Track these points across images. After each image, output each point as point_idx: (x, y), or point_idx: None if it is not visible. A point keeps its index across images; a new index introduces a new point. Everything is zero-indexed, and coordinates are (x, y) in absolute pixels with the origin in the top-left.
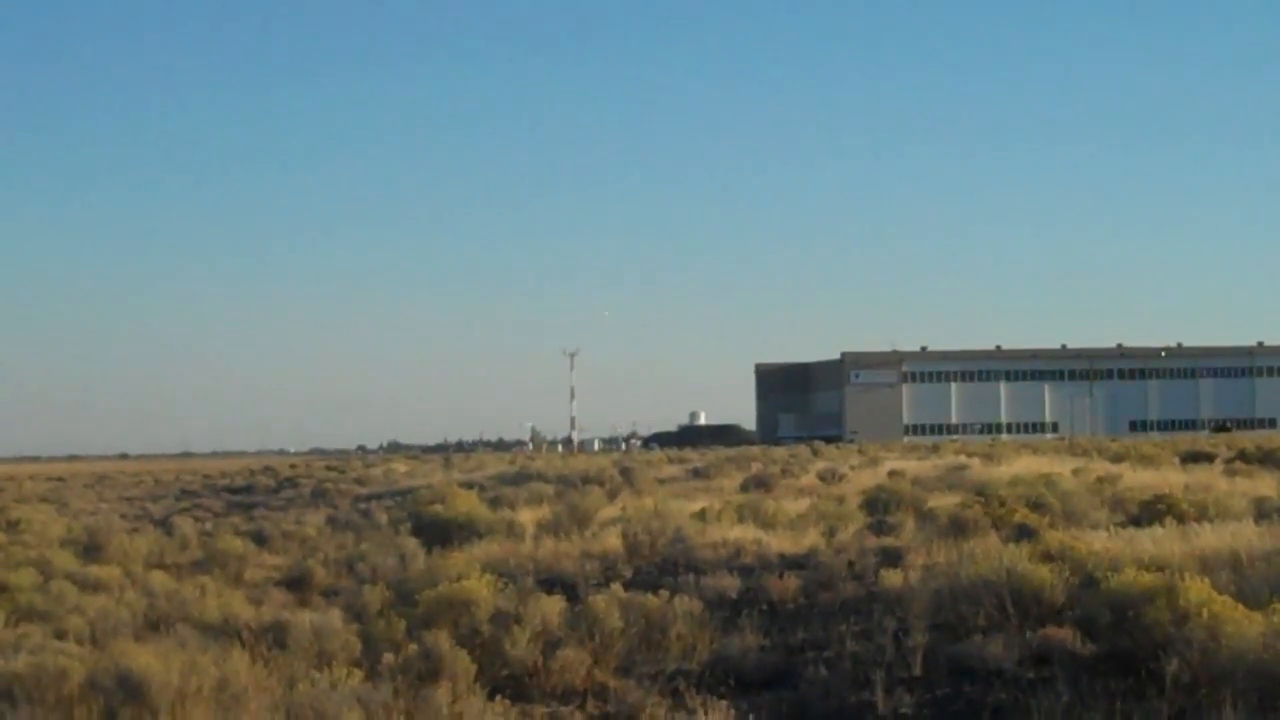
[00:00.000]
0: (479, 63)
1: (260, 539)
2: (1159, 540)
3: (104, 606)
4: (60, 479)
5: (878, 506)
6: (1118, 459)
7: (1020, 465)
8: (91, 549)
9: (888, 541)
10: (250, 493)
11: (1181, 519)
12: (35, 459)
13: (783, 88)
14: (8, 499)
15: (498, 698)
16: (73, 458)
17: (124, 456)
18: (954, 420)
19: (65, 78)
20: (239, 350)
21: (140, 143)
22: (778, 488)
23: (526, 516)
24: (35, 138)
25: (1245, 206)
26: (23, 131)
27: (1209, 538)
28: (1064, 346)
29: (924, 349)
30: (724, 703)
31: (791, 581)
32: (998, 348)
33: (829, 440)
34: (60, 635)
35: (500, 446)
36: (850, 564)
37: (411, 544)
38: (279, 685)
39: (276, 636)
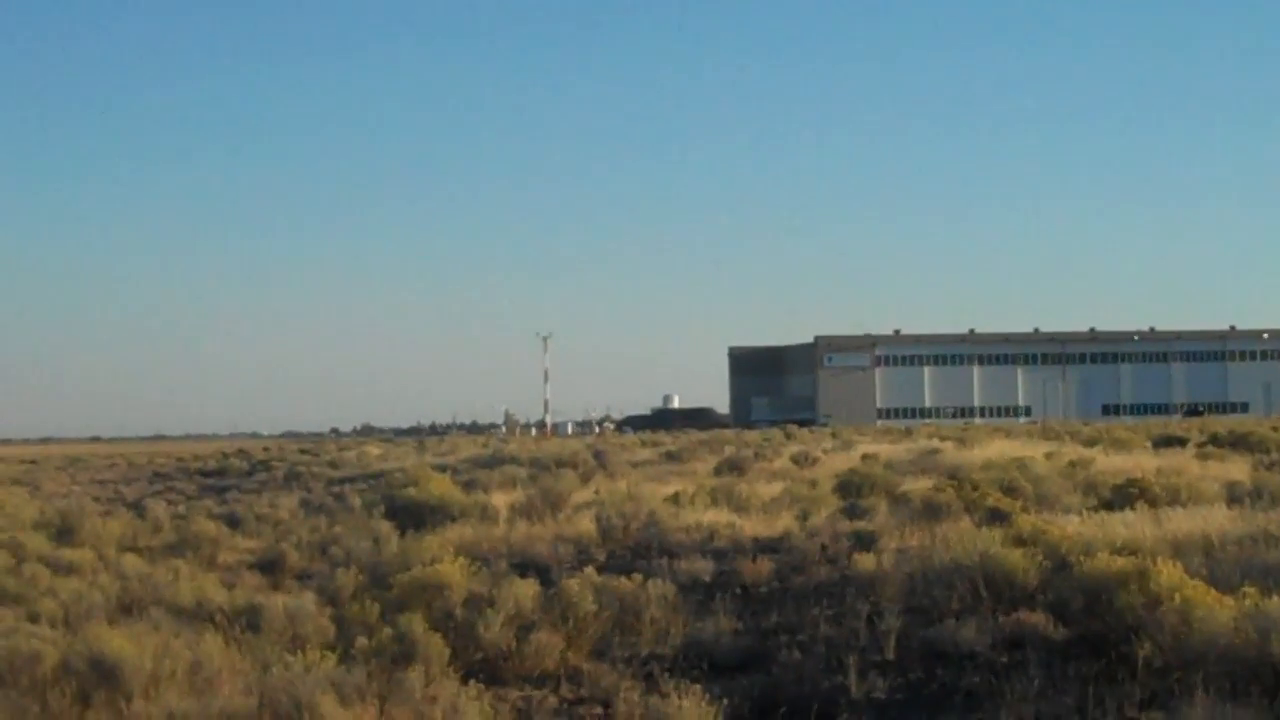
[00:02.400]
0: (453, 45)
1: (233, 522)
2: (1131, 524)
3: (77, 589)
4: (32, 461)
5: (851, 490)
6: (1090, 443)
7: (993, 449)
8: (64, 532)
9: (861, 525)
10: (223, 476)
11: (1154, 503)
12: (7, 441)
13: (757, 72)
14: None
15: (471, 681)
16: (45, 440)
17: (96, 439)
18: (927, 404)
19: (33, 57)
20: (211, 333)
21: (112, 123)
22: (751, 471)
23: (500, 500)
24: (4, 116)
25: (1219, 191)
26: None
27: (1181, 522)
28: (1036, 330)
29: (897, 332)
30: (698, 686)
31: (765, 565)
32: (970, 331)
33: (802, 424)
34: (33, 618)
35: (474, 430)
36: (823, 548)
37: (385, 527)
38: (252, 668)
39: (250, 620)
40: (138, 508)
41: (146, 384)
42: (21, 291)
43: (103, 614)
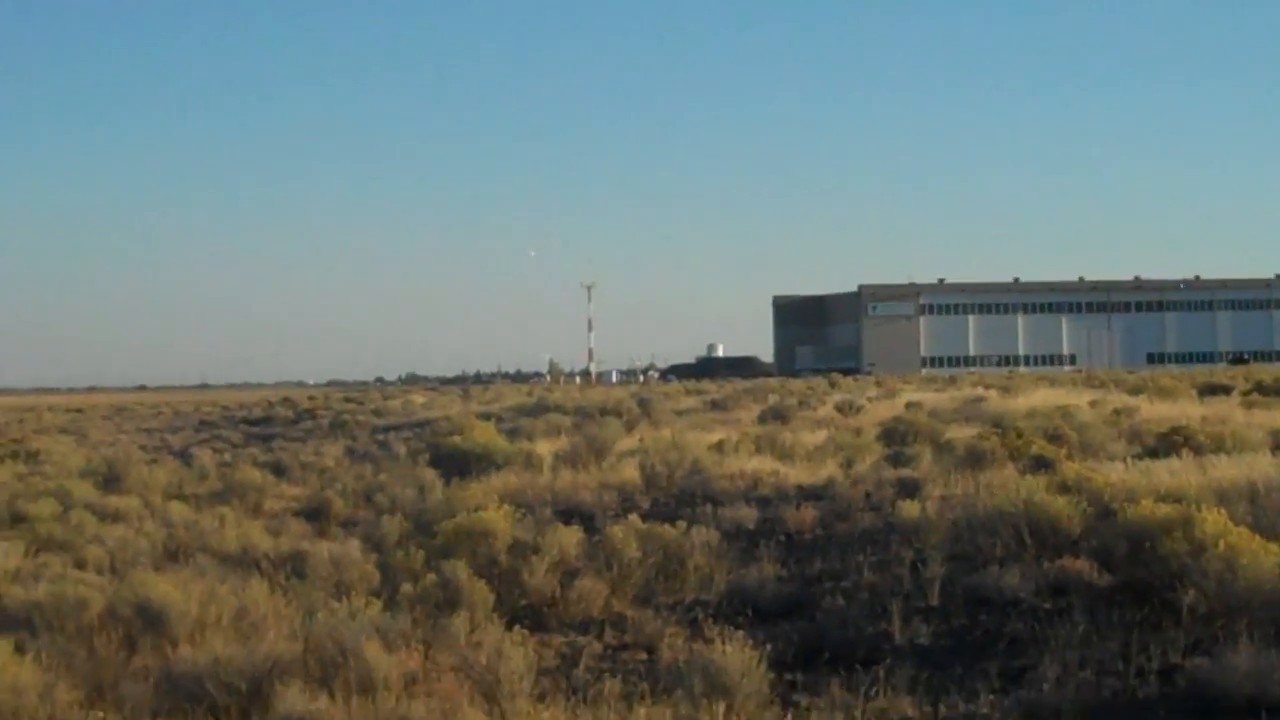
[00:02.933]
0: None
1: (279, 470)
2: (1176, 472)
3: (123, 536)
4: (79, 410)
5: (895, 438)
6: (1135, 391)
7: (1037, 397)
8: (111, 480)
9: (905, 473)
10: (269, 424)
11: (1198, 451)
12: (54, 391)
13: (803, 21)
14: (27, 430)
15: (516, 627)
16: (91, 389)
17: (142, 388)
18: (971, 352)
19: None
20: (257, 282)
21: (150, 69)
22: (795, 419)
23: (544, 448)
24: (42, 69)
25: (1264, 137)
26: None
27: (1226, 469)
28: (1081, 279)
29: (941, 281)
30: (741, 633)
31: (809, 512)
32: (1015, 280)
33: (846, 372)
34: (80, 565)
35: (518, 378)
36: (867, 495)
37: (430, 475)
38: (297, 615)
39: (295, 566)
40: (184, 456)
41: (192, 334)
42: (71, 242)
43: (149, 560)
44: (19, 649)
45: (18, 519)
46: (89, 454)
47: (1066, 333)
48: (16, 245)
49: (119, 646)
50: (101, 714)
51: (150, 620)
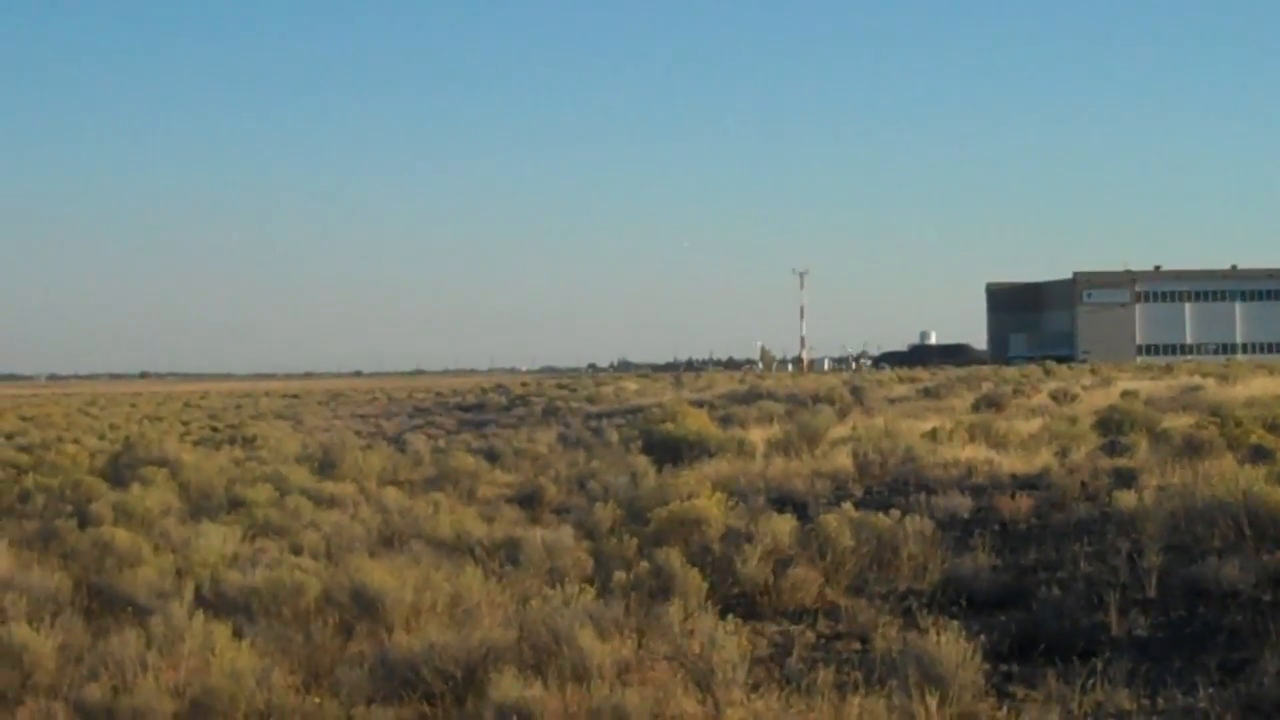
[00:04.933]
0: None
1: (492, 456)
2: None
3: (339, 522)
4: (295, 396)
5: (1111, 427)
6: None
7: (1256, 386)
8: (326, 465)
9: (1121, 462)
10: (482, 410)
11: None
12: (271, 376)
13: (1006, 8)
14: (245, 416)
15: (729, 616)
16: (307, 375)
17: (358, 374)
18: (1188, 340)
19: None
20: (471, 269)
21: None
22: (1009, 407)
23: (757, 435)
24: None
25: None
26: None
27: None
28: None
29: (1157, 268)
30: (955, 623)
31: (1024, 502)
32: (1233, 267)
33: (1060, 360)
34: (296, 550)
35: (730, 365)
36: (1083, 484)
37: (642, 462)
38: (511, 601)
39: (509, 553)
40: (398, 442)
41: (406, 320)
42: (288, 229)
43: (364, 546)
44: (237, 634)
45: (235, 504)
46: (305, 440)
47: None
48: (236, 234)
49: (335, 632)
50: (318, 699)
51: (365, 606)
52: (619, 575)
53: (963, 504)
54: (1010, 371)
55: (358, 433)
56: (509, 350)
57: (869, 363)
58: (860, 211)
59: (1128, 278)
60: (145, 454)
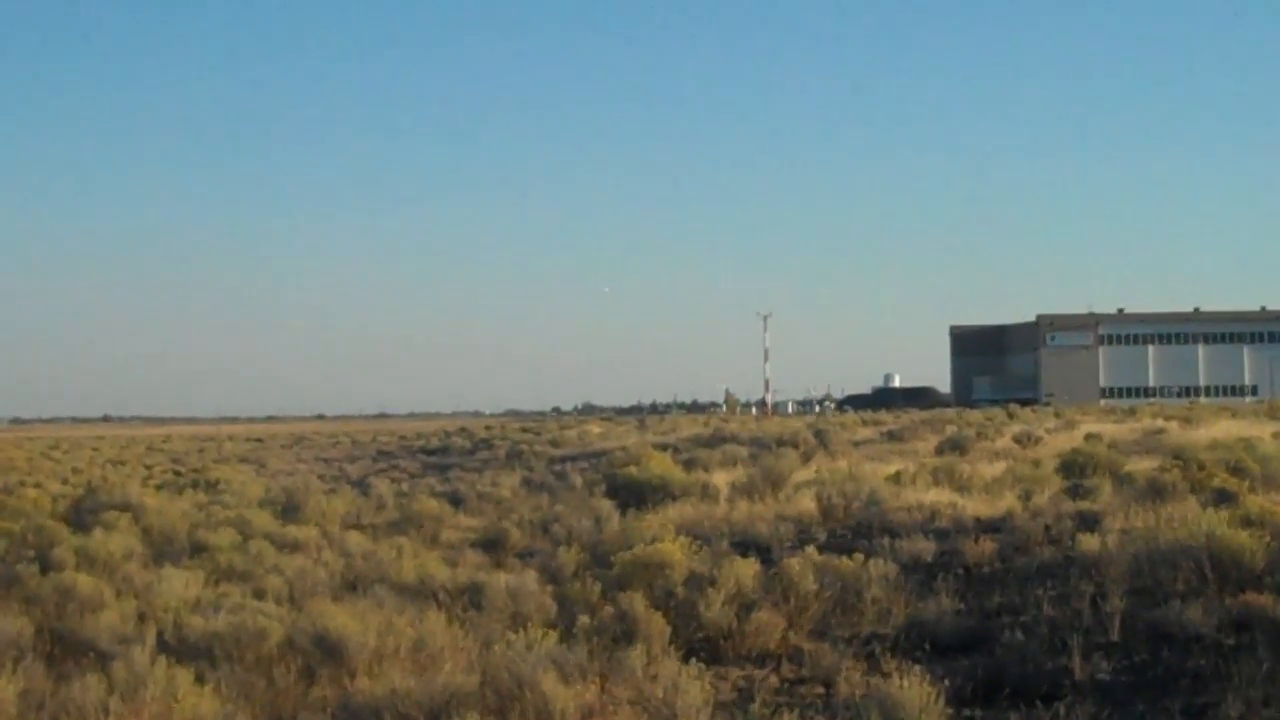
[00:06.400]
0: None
1: (456, 500)
2: None
3: (302, 566)
4: (259, 440)
5: (1074, 470)
6: None
7: (1219, 429)
8: (289, 509)
9: (1084, 505)
10: (446, 454)
11: None
12: (234, 420)
13: (967, 49)
14: (208, 460)
15: (692, 660)
16: (270, 419)
17: (321, 418)
18: (1151, 383)
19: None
20: (434, 313)
21: (329, 94)
22: (973, 451)
23: (721, 478)
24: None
25: None
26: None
27: None
28: (1264, 308)
29: (1121, 311)
30: (919, 667)
31: (987, 545)
32: (1196, 310)
33: (1024, 403)
34: (259, 595)
35: (694, 409)
36: (1047, 528)
37: (606, 506)
38: (475, 646)
39: (472, 597)
40: (361, 485)
41: (370, 364)
42: (250, 275)
43: (327, 591)
44: (199, 679)
45: (198, 548)
46: (268, 483)
47: (1248, 363)
48: (200, 277)
49: (297, 677)
50: None
51: (328, 651)
52: (582, 620)
53: (926, 548)
54: (974, 414)
55: (321, 476)
56: (473, 393)
57: (833, 406)
58: (824, 254)
59: (1091, 320)
60: (108, 498)
